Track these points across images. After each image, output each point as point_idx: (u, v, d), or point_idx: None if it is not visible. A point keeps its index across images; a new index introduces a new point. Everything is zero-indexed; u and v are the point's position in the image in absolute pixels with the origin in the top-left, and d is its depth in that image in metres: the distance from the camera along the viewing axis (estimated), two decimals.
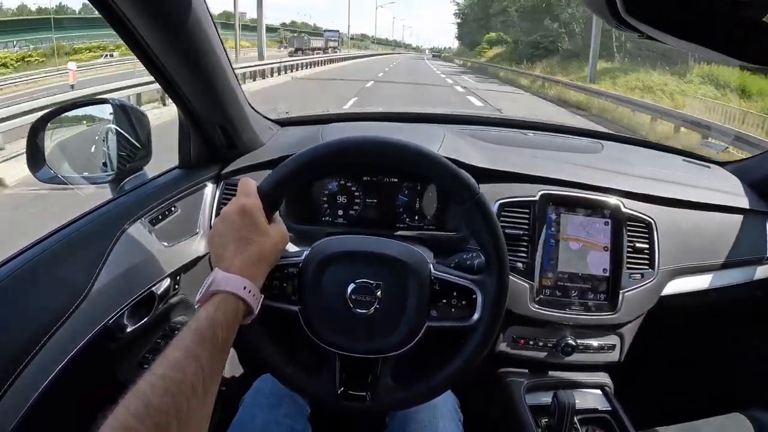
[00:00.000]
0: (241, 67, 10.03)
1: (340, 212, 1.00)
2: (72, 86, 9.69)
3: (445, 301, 0.64)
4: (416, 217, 1.00)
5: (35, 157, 0.84)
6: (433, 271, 0.65)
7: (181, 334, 0.49)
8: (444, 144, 0.96)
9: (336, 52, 39.74)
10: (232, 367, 1.12)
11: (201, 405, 0.46)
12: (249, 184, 0.61)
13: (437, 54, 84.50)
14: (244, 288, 0.53)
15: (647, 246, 0.92)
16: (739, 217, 1.01)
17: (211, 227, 0.96)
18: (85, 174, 0.91)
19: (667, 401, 1.20)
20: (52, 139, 0.87)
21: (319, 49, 35.65)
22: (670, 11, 0.30)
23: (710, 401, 1.15)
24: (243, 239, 0.56)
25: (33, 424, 0.60)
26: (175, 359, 0.46)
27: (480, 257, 0.72)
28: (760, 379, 1.11)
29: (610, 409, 0.90)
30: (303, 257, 0.65)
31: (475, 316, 0.64)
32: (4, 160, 4.92)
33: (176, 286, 0.91)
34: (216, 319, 0.50)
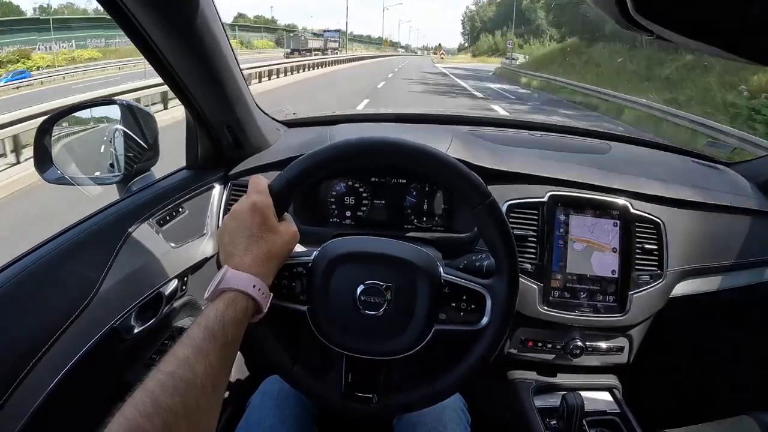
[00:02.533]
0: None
1: (348, 213, 1.00)
2: None
3: (454, 304, 0.64)
4: (424, 219, 0.99)
5: (43, 158, 0.84)
6: (442, 273, 0.64)
7: (189, 332, 0.48)
8: (452, 145, 0.96)
9: (336, 53, 38.54)
10: (240, 368, 1.12)
11: (210, 403, 0.46)
12: (260, 181, 0.61)
13: (512, 57, 30.28)
14: (254, 286, 0.53)
15: (656, 247, 0.91)
16: (747, 218, 1.00)
17: (218, 227, 0.96)
18: (93, 175, 0.91)
19: (676, 403, 1.19)
20: (59, 140, 0.88)
21: (317, 50, 34.44)
22: (681, 10, 0.30)
23: (719, 403, 1.14)
24: (253, 237, 0.56)
25: (40, 424, 0.60)
26: (185, 357, 0.46)
27: (489, 259, 0.72)
28: None
29: (618, 411, 0.90)
30: (312, 257, 0.64)
31: (484, 321, 0.63)
32: None
33: (183, 287, 0.91)
34: (226, 316, 0.50)
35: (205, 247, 0.95)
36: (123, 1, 0.63)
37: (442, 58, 60.51)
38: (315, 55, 29.40)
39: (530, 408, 0.89)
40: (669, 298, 0.93)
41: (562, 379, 0.97)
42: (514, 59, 29.95)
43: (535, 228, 0.91)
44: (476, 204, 0.62)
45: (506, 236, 0.63)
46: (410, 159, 0.63)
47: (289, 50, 31.07)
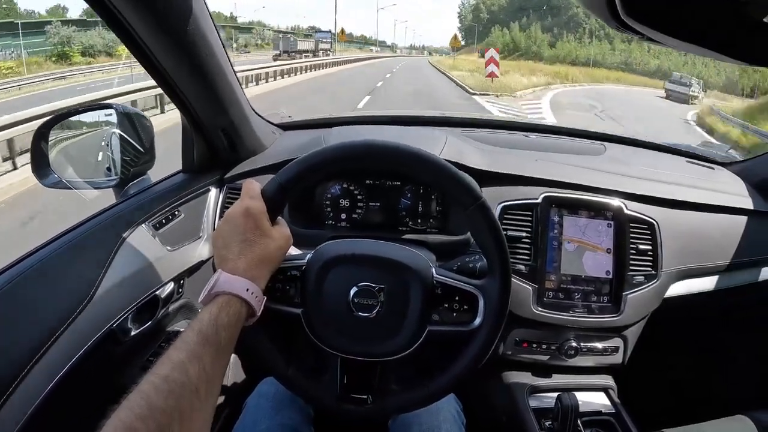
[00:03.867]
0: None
1: (343, 216, 1.00)
2: None
3: (447, 305, 0.64)
4: (419, 220, 1.00)
5: (40, 162, 0.84)
6: (435, 275, 0.65)
7: (184, 335, 0.49)
8: (446, 147, 0.96)
9: (328, 54, 36.55)
10: (236, 370, 1.12)
11: (203, 406, 0.47)
12: (253, 186, 0.61)
13: (685, 83, 15.60)
14: (247, 290, 0.54)
15: (650, 247, 0.91)
16: (743, 219, 1.01)
17: (214, 230, 0.97)
18: (90, 178, 0.91)
19: (671, 403, 1.19)
20: (56, 144, 0.88)
21: (307, 52, 32.35)
22: (671, 12, 0.30)
23: (714, 403, 1.15)
24: (247, 241, 0.56)
25: (37, 426, 0.60)
26: (179, 360, 0.46)
27: (483, 260, 0.72)
28: (764, 380, 1.11)
29: (613, 411, 0.90)
30: (306, 260, 0.65)
31: (477, 321, 0.64)
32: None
33: (180, 290, 0.92)
34: (219, 320, 0.51)
35: (201, 250, 0.95)
36: (114, 4, 0.63)
37: (495, 76, 14.73)
38: (305, 57, 27.66)
39: (525, 408, 0.89)
40: (663, 298, 0.93)
41: (557, 379, 0.97)
42: (685, 85, 16.39)
43: (529, 229, 0.91)
44: (468, 205, 0.63)
45: (497, 236, 0.63)
46: (401, 162, 0.63)
47: (277, 52, 29.29)
